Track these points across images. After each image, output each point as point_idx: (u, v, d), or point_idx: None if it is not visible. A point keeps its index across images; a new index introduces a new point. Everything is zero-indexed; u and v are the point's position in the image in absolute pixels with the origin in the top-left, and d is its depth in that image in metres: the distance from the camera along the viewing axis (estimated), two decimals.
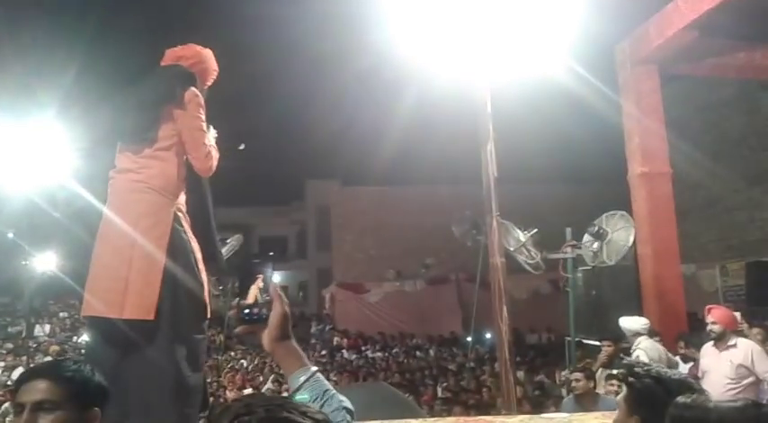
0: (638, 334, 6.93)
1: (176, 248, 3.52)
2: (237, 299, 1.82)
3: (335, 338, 19.74)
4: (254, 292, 1.82)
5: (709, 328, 5.88)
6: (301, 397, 1.61)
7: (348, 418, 1.70)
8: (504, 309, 6.72)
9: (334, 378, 13.69)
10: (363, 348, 18.53)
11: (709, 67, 10.10)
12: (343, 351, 18.19)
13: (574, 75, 8.36)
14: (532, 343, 19.03)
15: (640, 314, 8.28)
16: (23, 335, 17.34)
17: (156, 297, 3.38)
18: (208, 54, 3.86)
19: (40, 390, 1.71)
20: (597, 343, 7.62)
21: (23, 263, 17.95)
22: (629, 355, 6.86)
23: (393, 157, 20.14)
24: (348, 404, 1.75)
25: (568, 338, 9.06)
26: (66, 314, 19.75)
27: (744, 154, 15.77)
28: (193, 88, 3.68)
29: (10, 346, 15.37)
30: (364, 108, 18.16)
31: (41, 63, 13.99)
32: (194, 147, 3.64)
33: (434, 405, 10.20)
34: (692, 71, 10.56)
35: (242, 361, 16.59)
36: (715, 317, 5.83)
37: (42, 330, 17.49)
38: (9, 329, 17.76)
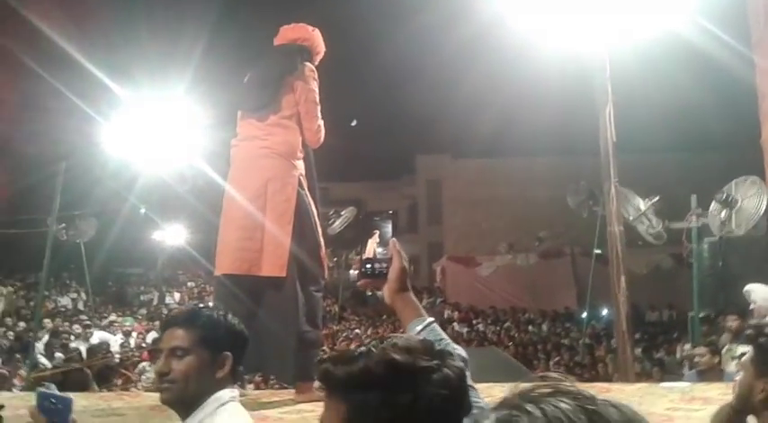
0: None
1: (301, 210, 3.79)
2: (359, 255, 1.89)
3: (446, 312, 19.81)
4: (371, 246, 1.89)
5: None
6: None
7: (462, 365, 1.73)
8: (623, 279, 6.49)
9: None
10: (474, 322, 18.48)
11: None
12: (455, 324, 18.23)
13: (698, 30, 7.82)
14: (653, 320, 18.27)
15: None
16: (155, 302, 18.69)
17: (287, 256, 3.67)
18: (317, 35, 4.08)
19: (174, 337, 1.81)
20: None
21: (154, 237, 19.29)
22: None
23: (503, 128, 19.83)
24: (463, 352, 1.79)
25: (692, 314, 8.62)
26: (193, 284, 21.06)
27: None
28: (309, 64, 3.90)
29: (144, 312, 16.58)
30: (473, 79, 17.88)
31: (172, 44, 14.80)
32: (309, 118, 3.90)
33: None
34: None
35: (356, 330, 17.05)
36: None
37: (173, 298, 18.72)
38: (142, 298, 19.13)
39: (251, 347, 3.67)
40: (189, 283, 21.15)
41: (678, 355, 10.66)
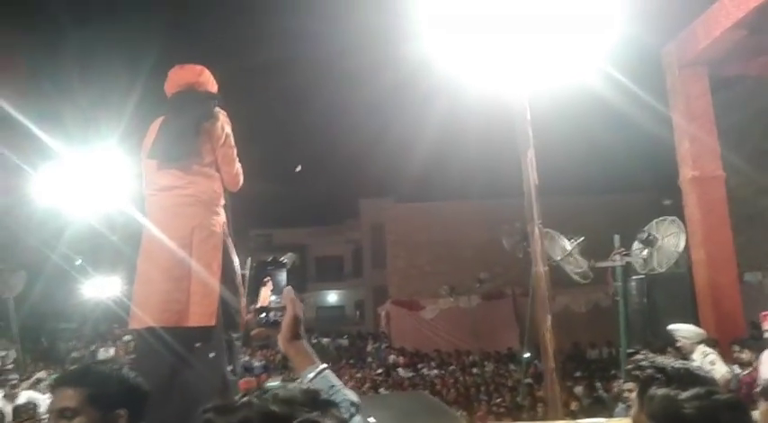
0: (700, 341, 6.76)
1: (225, 258, 3.77)
2: (253, 305, 1.93)
3: (391, 356, 19.70)
4: (264, 295, 1.92)
5: (765, 335, 5.73)
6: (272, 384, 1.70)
7: (353, 410, 1.77)
8: (549, 318, 6.63)
9: None
10: (419, 366, 18.43)
11: (761, 66, 9.79)
12: (399, 369, 18.13)
13: (617, 81, 8.26)
14: (593, 357, 18.56)
15: (696, 322, 8.05)
16: (90, 358, 17.98)
17: (217, 304, 3.62)
18: (210, 74, 4.07)
19: (62, 397, 1.76)
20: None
21: (88, 289, 18.69)
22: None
23: (440, 172, 20.22)
24: (354, 398, 1.82)
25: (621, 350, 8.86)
26: (129, 337, 20.34)
27: None
28: (220, 108, 3.91)
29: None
30: (412, 125, 18.29)
31: (104, 93, 14.68)
32: (228, 162, 3.88)
33: (488, 421, 10.09)
34: (743, 71, 10.26)
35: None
36: None
37: (107, 353, 18.07)
38: (74, 354, 18.41)
39: (174, 401, 3.61)
40: (125, 337, 20.46)
41: (616, 391, 10.85)
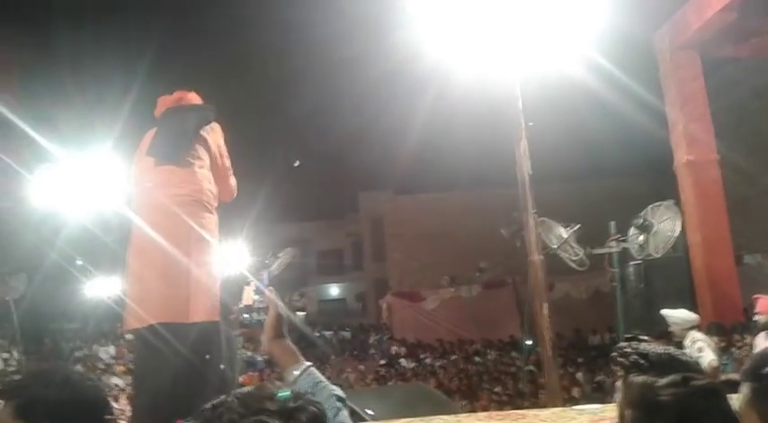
0: (693, 327, 6.76)
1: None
2: (236, 305, 1.93)
3: (393, 347, 19.78)
4: (247, 295, 1.93)
5: (755, 318, 5.75)
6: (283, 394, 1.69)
7: (339, 405, 1.80)
8: (546, 306, 6.65)
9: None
10: (422, 356, 18.51)
11: (753, 47, 9.79)
12: (402, 359, 18.21)
13: (609, 66, 8.25)
14: (595, 344, 18.62)
15: (694, 306, 8.08)
16: (92, 357, 18.08)
17: (218, 300, 3.64)
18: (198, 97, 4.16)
19: None
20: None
21: (89, 289, 18.74)
22: (681, 349, 6.68)
23: (440, 164, 20.17)
24: (340, 393, 1.85)
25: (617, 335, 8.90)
26: (131, 336, 20.26)
27: None
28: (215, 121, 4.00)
29: (79, 368, 16.03)
30: (408, 115, 18.26)
31: (99, 94, 14.65)
32: (227, 175, 3.98)
33: (490, 409, 10.15)
34: (735, 53, 10.26)
35: None
36: (760, 307, 5.72)
37: (108, 353, 18.15)
38: (77, 353, 18.49)
39: (175, 400, 3.63)
40: (127, 336, 20.55)
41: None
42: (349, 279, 32.87)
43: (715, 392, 1.55)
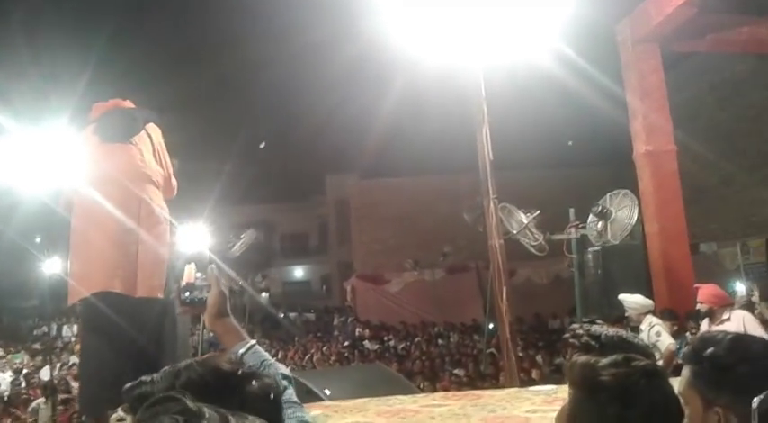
0: (648, 311, 6.95)
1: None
2: (178, 284, 1.93)
3: (357, 329, 19.89)
4: (188, 272, 1.93)
5: (697, 307, 5.98)
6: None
7: (285, 383, 1.83)
8: (504, 290, 6.79)
9: None
10: (386, 338, 18.65)
11: (712, 42, 10.00)
12: (366, 341, 18.33)
13: (571, 56, 8.37)
14: (555, 327, 18.97)
15: (650, 293, 8.29)
16: (53, 335, 17.85)
17: (164, 277, 3.69)
18: None
19: None
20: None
21: (47, 267, 18.44)
22: (637, 333, 6.87)
23: (405, 148, 20.22)
24: (286, 371, 1.88)
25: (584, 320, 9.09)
26: (80, 306, 20.00)
27: (761, 129, 15.51)
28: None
29: (38, 346, 15.82)
30: (375, 100, 18.25)
31: (55, 67, 14.31)
32: (167, 170, 4.05)
33: (451, 390, 10.31)
34: (694, 48, 10.49)
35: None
36: (700, 296, 5.96)
37: (70, 330, 17.93)
38: (36, 332, 18.24)
39: (124, 375, 3.63)
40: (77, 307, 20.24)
41: None
42: (314, 261, 32.86)
43: (656, 373, 1.57)
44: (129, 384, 1.35)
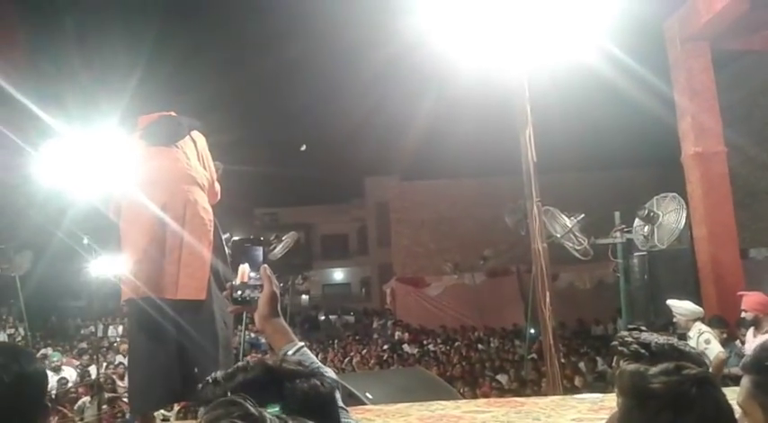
0: (698, 318, 6.74)
1: (217, 236, 3.96)
2: (230, 282, 1.92)
3: (397, 332, 19.84)
4: (241, 272, 1.92)
5: (742, 315, 5.77)
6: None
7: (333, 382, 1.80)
8: (548, 295, 6.66)
9: None
10: (425, 342, 18.56)
11: (764, 40, 9.68)
12: (405, 345, 18.27)
13: (617, 56, 8.18)
14: (598, 334, 18.63)
15: (698, 299, 8.05)
16: (99, 335, 18.24)
17: (207, 279, 3.74)
18: None
19: None
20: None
21: (95, 267, 18.84)
22: (684, 340, 6.67)
23: (446, 150, 20.10)
24: (332, 375, 1.85)
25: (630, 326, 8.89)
26: (126, 307, 20.38)
27: None
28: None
29: (85, 346, 16.17)
30: (414, 101, 18.19)
31: (105, 71, 14.64)
32: (211, 175, 4.15)
33: (491, 396, 10.17)
34: (746, 46, 10.15)
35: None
36: (745, 304, 5.77)
37: (116, 331, 18.30)
38: (83, 331, 18.67)
39: (171, 375, 3.67)
40: (124, 308, 20.62)
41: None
42: (353, 264, 32.95)
43: (708, 381, 1.54)
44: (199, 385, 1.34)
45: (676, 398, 1.47)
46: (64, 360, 13.45)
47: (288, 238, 11.55)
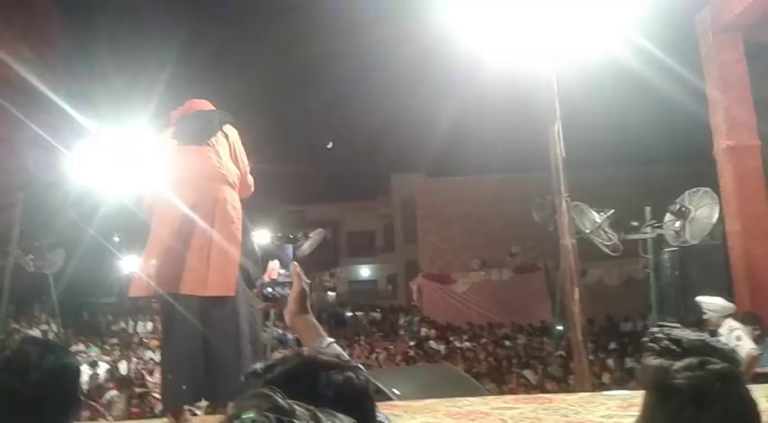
0: (729, 315, 6.63)
1: (244, 232, 3.97)
2: (260, 279, 1.94)
3: (423, 329, 19.81)
4: (271, 268, 1.94)
5: None
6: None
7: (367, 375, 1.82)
8: (577, 292, 6.59)
9: None
10: (451, 339, 18.50)
11: None
12: (431, 341, 18.23)
13: (648, 49, 8.06)
14: (627, 330, 18.43)
15: (731, 295, 7.92)
16: (131, 331, 18.55)
17: (236, 275, 3.76)
18: None
19: None
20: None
21: (125, 265, 19.18)
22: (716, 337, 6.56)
23: (473, 146, 20.04)
24: (364, 371, 1.86)
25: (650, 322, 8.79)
26: (156, 302, 20.62)
27: None
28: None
29: (115, 341, 16.44)
30: (440, 98, 18.16)
31: (136, 72, 14.85)
32: (246, 173, 4.18)
33: (518, 393, 10.12)
34: None
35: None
36: None
37: (145, 327, 18.56)
38: (113, 327, 18.98)
39: (197, 371, 3.71)
40: (153, 304, 20.93)
41: None
42: (380, 260, 32.96)
43: (732, 377, 1.52)
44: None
45: (700, 393, 1.46)
46: (97, 354, 13.71)
47: (315, 236, 11.64)
